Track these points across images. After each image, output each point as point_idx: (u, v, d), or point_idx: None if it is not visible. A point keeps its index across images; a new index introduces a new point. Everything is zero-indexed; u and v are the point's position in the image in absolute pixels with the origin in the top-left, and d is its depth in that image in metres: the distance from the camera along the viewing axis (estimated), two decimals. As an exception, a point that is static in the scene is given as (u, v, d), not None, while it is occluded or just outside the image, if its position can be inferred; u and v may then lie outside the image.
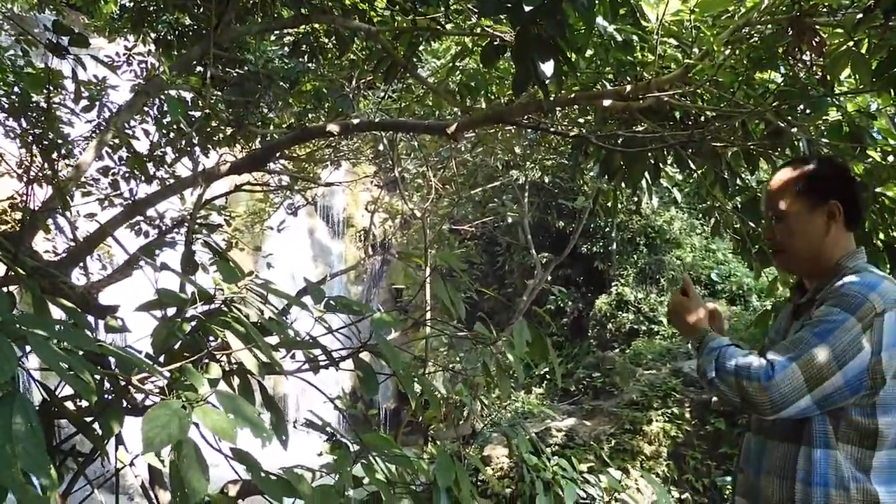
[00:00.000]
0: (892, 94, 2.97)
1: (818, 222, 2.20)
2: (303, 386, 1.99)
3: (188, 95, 4.65)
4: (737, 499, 2.32)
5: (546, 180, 11.28)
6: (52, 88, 3.96)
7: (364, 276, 18.12)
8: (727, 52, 3.33)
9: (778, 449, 2.13)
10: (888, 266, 3.28)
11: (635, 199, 6.72)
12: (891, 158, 3.32)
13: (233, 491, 2.25)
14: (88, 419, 1.75)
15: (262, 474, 1.62)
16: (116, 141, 4.85)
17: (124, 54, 5.71)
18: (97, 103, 4.63)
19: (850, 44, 2.91)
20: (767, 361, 1.97)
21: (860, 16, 2.74)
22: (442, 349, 11.51)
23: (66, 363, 1.39)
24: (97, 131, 4.71)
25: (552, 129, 4.57)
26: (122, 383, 1.66)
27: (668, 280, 13.87)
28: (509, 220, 13.68)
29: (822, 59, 3.06)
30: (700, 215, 13.68)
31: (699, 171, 4.03)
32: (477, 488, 8.80)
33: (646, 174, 4.26)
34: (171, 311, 1.85)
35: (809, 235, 2.21)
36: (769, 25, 3.25)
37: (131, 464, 2.03)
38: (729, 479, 8.61)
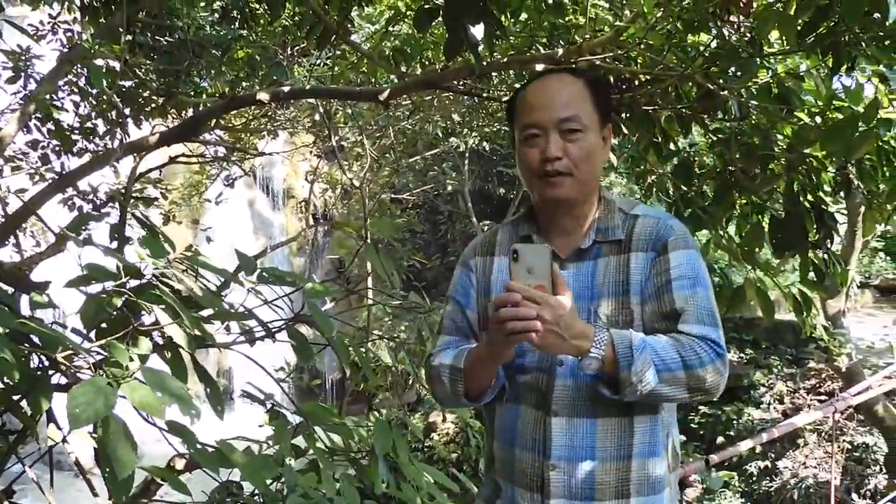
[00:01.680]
0: (819, 54, 3.01)
1: (601, 144, 1.79)
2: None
3: (118, 65, 4.53)
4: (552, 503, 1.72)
5: (485, 147, 11.31)
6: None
7: (306, 247, 17.98)
8: (658, 14, 3.35)
9: (612, 427, 1.71)
10: (814, 227, 3.34)
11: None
12: (818, 119, 3.38)
13: (179, 464, 2.23)
14: (16, 397, 1.71)
15: (198, 446, 1.61)
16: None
17: (49, 22, 5.53)
18: (21, 74, 4.49)
19: (778, 4, 2.94)
20: (700, 338, 1.61)
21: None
22: (386, 319, 11.54)
23: (-12, 340, 1.36)
24: (22, 103, 4.57)
25: (485, 95, 4.57)
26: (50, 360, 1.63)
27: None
28: (450, 188, 13.70)
29: (750, 20, 3.09)
30: (638, 180, 13.83)
31: (633, 136, 4.06)
32: (423, 454, 8.89)
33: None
34: (104, 287, 1.81)
35: (599, 158, 1.79)
36: (699, -14, 3.27)
37: (64, 440, 1.99)
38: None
